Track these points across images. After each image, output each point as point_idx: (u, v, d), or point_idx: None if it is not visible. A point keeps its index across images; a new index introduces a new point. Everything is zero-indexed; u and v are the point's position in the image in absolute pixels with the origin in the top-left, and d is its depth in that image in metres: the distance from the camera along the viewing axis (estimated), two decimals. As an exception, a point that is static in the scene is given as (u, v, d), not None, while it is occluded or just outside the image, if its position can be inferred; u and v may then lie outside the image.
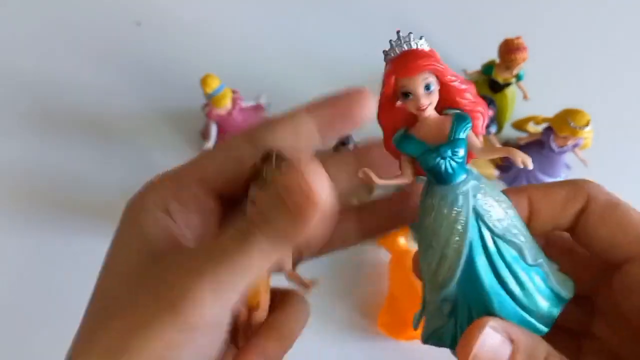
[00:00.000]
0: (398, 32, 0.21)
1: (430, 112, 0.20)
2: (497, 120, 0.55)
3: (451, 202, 0.20)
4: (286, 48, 0.65)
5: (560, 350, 0.18)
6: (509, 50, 0.51)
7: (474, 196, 0.20)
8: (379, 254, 0.52)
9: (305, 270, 0.52)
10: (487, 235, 0.20)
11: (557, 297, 0.20)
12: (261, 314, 0.21)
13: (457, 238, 0.20)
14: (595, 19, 0.67)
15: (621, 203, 0.20)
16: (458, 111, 0.20)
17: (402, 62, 0.21)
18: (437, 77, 0.20)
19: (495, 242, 0.20)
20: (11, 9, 0.68)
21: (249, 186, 0.20)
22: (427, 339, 0.24)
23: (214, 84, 0.50)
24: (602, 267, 0.20)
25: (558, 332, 0.20)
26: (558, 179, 0.55)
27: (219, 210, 0.21)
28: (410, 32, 0.20)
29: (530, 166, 0.19)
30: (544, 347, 0.18)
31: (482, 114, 0.20)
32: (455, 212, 0.20)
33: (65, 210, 0.55)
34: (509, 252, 0.20)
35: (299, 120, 0.23)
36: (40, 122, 0.60)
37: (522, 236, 0.20)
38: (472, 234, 0.20)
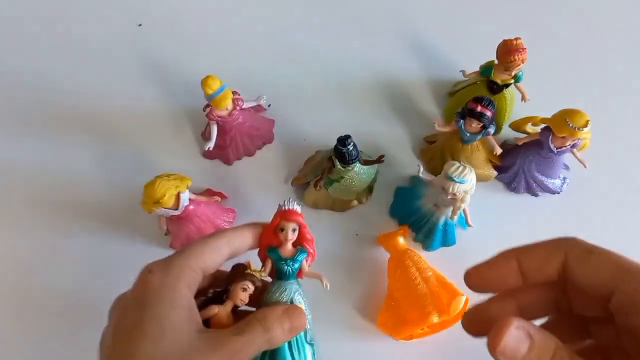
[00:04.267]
0: (289, 199, 0.37)
1: (290, 242, 0.37)
2: (495, 121, 0.56)
3: (282, 290, 0.37)
4: (286, 49, 0.65)
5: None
6: (508, 51, 0.51)
7: (295, 291, 0.38)
8: (378, 254, 0.52)
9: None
10: None
11: None
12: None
13: None
14: (594, 20, 0.68)
15: (597, 249, 0.23)
16: (302, 247, 0.38)
17: (287, 213, 0.36)
18: (299, 227, 0.37)
19: None
20: (11, 9, 0.68)
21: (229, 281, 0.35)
22: None
23: (214, 85, 0.50)
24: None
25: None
26: (557, 180, 0.55)
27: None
28: (294, 200, 0.37)
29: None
30: (554, 342, 0.22)
31: (312, 254, 0.39)
32: (283, 295, 0.36)
33: (65, 210, 0.55)
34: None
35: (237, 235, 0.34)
36: (41, 122, 0.60)
37: (308, 324, 0.38)
38: None
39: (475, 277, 0.25)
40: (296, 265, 0.38)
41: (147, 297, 0.28)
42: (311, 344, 0.39)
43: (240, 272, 0.35)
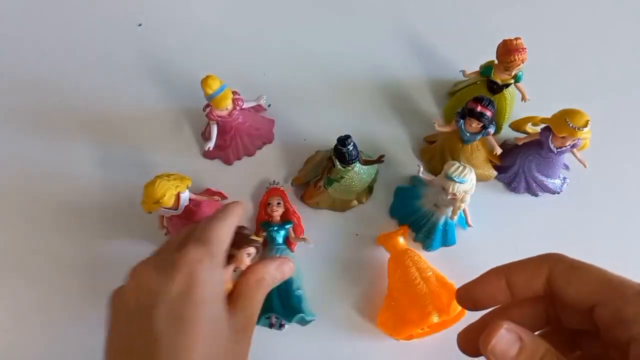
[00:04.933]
0: (274, 181, 0.52)
1: (277, 214, 0.51)
2: (495, 121, 0.56)
3: (273, 252, 0.50)
4: (286, 48, 0.65)
5: None
6: (508, 51, 0.51)
7: (283, 251, 0.50)
8: (378, 254, 0.52)
9: (307, 271, 0.52)
10: None
11: (300, 313, 0.47)
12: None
13: None
14: (593, 19, 0.68)
15: (580, 264, 0.24)
16: (288, 220, 0.51)
17: (271, 190, 0.52)
18: (285, 205, 0.51)
19: None
20: (12, 9, 0.68)
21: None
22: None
23: (214, 85, 0.50)
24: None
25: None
26: (557, 180, 0.55)
27: None
28: (278, 182, 0.51)
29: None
30: (544, 345, 0.22)
31: (298, 225, 0.52)
32: (273, 254, 0.49)
33: (65, 209, 0.55)
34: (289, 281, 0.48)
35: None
36: (40, 122, 0.60)
37: (294, 274, 0.46)
38: None
39: (465, 296, 0.26)
40: (282, 232, 0.51)
41: (200, 294, 0.28)
42: (298, 294, 0.48)
43: (244, 237, 0.37)
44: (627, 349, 0.21)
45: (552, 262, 0.24)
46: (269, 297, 0.41)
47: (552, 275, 0.24)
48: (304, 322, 0.48)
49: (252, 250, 0.37)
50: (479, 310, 0.26)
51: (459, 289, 0.26)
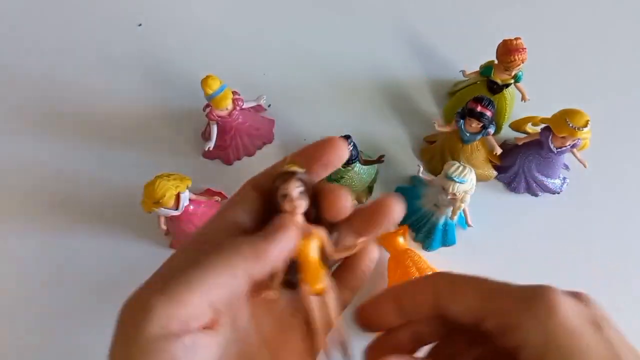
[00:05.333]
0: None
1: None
2: (495, 121, 0.56)
3: None
4: (286, 49, 0.65)
5: None
6: (508, 51, 0.51)
7: None
8: (378, 254, 0.52)
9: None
10: None
11: None
12: (330, 295, 0.24)
13: None
14: (593, 19, 0.68)
15: (460, 278, 0.23)
16: None
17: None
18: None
19: None
20: (12, 9, 0.68)
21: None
22: None
23: (214, 85, 0.50)
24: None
25: None
26: (557, 180, 0.55)
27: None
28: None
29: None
30: None
31: None
32: None
33: (65, 209, 0.55)
34: None
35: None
36: (40, 122, 0.60)
37: None
38: None
39: (361, 319, 0.25)
40: None
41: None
42: None
43: (280, 175, 0.24)
44: (517, 356, 0.21)
45: (435, 281, 0.23)
46: None
47: (437, 295, 0.23)
48: None
49: (288, 187, 0.23)
50: (377, 331, 0.25)
51: (354, 310, 0.25)
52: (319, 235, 0.24)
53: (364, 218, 0.25)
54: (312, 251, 0.23)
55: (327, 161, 0.24)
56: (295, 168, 0.23)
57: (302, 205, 0.23)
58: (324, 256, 0.24)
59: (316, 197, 0.24)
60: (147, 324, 0.20)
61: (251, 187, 0.25)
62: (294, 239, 0.23)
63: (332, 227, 0.24)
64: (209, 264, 0.21)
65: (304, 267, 0.24)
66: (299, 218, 0.23)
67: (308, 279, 0.24)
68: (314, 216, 0.24)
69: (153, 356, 0.20)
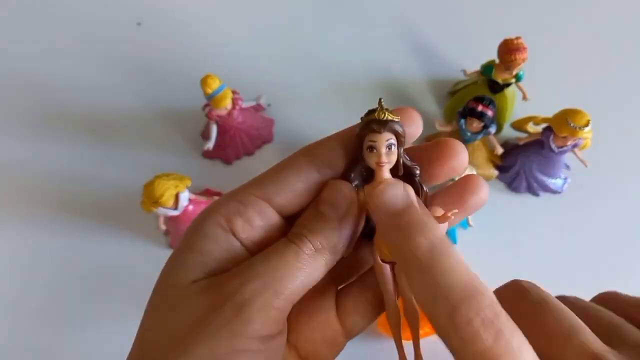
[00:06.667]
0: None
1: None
2: (496, 120, 0.56)
3: None
4: (286, 48, 0.65)
5: None
6: (509, 50, 0.51)
7: None
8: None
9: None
10: None
11: None
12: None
13: None
14: (594, 19, 0.67)
15: None
16: None
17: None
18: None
19: None
20: (11, 9, 0.68)
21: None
22: None
23: (214, 85, 0.50)
24: None
25: None
26: (558, 179, 0.55)
27: (283, 225, 0.22)
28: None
29: None
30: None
31: None
32: None
33: (65, 210, 0.55)
34: None
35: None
36: (40, 122, 0.60)
37: None
38: None
39: None
40: None
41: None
42: None
43: (368, 123, 0.21)
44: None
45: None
46: None
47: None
48: None
49: (375, 137, 0.20)
50: None
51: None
52: None
53: (454, 191, 0.22)
54: None
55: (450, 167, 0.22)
56: (390, 116, 0.20)
57: (391, 160, 0.20)
58: None
59: (426, 150, 0.22)
60: (208, 218, 0.21)
61: (337, 143, 0.23)
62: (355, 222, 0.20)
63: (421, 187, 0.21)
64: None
65: (379, 231, 0.21)
66: (386, 174, 0.20)
67: (382, 243, 0.21)
68: (409, 173, 0.21)
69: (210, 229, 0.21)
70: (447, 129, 0.52)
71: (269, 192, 0.21)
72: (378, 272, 0.21)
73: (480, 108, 0.49)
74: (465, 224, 0.52)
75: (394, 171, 0.21)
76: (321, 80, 0.63)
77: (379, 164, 0.20)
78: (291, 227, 0.21)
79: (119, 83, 0.62)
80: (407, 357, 0.23)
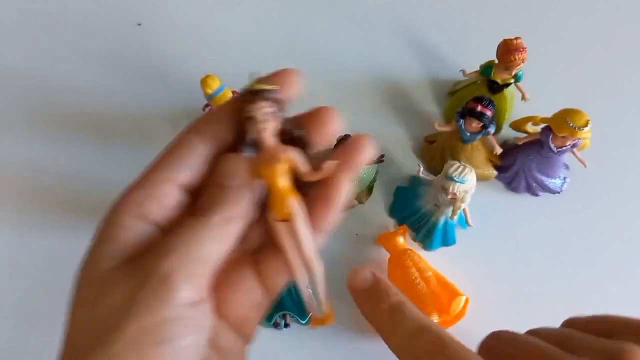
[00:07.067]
0: None
1: None
2: (496, 121, 0.56)
3: None
4: (286, 48, 0.65)
5: None
6: (508, 50, 0.51)
7: None
8: (378, 254, 0.52)
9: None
10: None
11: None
12: (299, 222, 0.23)
13: None
14: (594, 19, 0.68)
15: None
16: None
17: None
18: None
19: None
20: (12, 9, 0.68)
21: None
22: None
23: (214, 85, 0.50)
24: None
25: None
26: (557, 180, 0.55)
27: (190, 202, 0.24)
28: None
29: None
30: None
31: None
32: None
33: (65, 210, 0.55)
34: None
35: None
36: (40, 122, 0.60)
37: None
38: None
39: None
40: None
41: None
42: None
43: (245, 95, 0.23)
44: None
45: None
46: (281, 296, 0.39)
47: None
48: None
49: (252, 109, 0.22)
50: None
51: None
52: (289, 159, 0.22)
53: (345, 150, 0.25)
54: (280, 176, 0.22)
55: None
56: (263, 86, 0.22)
57: (271, 127, 0.23)
58: (296, 180, 0.23)
59: (304, 118, 0.24)
60: (120, 208, 0.23)
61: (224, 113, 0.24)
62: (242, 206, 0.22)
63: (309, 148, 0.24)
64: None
65: (271, 193, 0.22)
66: (270, 140, 0.22)
67: (274, 204, 0.22)
68: (294, 137, 0.23)
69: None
70: (447, 129, 0.53)
71: (170, 172, 0.23)
72: (274, 231, 0.23)
73: (479, 108, 0.49)
74: (465, 224, 0.52)
75: (281, 137, 0.23)
76: (321, 80, 0.63)
77: (260, 132, 0.22)
78: (197, 203, 0.23)
79: (119, 83, 0.62)
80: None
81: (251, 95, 0.22)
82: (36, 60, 0.64)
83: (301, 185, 0.23)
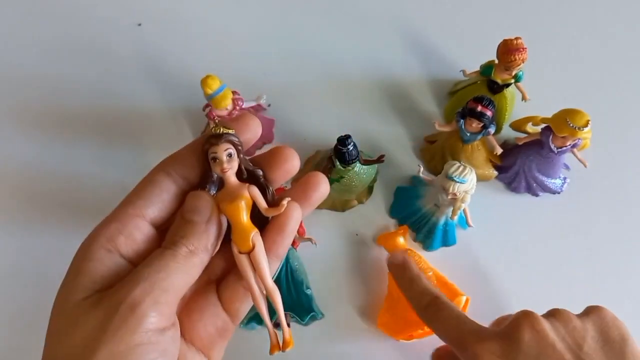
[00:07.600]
0: None
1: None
2: (496, 120, 0.56)
3: None
4: (286, 48, 0.65)
5: None
6: (508, 50, 0.51)
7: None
8: (378, 254, 0.52)
9: (308, 270, 0.52)
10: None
11: (312, 312, 0.48)
12: (259, 254, 0.25)
13: None
14: (594, 19, 0.68)
15: None
16: None
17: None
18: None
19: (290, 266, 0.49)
20: (12, 9, 0.68)
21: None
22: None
23: (214, 85, 0.50)
24: None
25: None
26: (557, 179, 0.55)
27: (158, 237, 0.26)
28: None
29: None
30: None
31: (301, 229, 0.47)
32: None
33: (65, 210, 0.55)
34: (298, 277, 0.48)
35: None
36: (40, 122, 0.60)
37: (302, 274, 0.48)
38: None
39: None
40: None
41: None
42: (308, 293, 0.47)
43: (208, 138, 0.25)
44: None
45: None
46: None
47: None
48: (312, 320, 0.48)
49: (216, 149, 0.24)
50: None
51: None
52: (248, 196, 0.25)
53: (299, 188, 0.27)
54: (241, 211, 0.24)
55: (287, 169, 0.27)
56: (223, 130, 0.25)
57: (233, 167, 0.25)
58: (255, 214, 0.25)
59: (265, 157, 0.26)
60: (92, 242, 0.24)
61: (189, 151, 0.26)
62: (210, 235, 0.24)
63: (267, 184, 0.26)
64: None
65: (233, 228, 0.25)
66: (232, 179, 0.25)
67: (237, 239, 0.25)
68: (253, 175, 0.26)
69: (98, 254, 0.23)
70: (447, 129, 0.53)
71: (141, 208, 0.25)
72: (238, 263, 0.25)
73: (479, 108, 0.49)
74: (465, 224, 0.52)
75: (239, 175, 0.25)
76: (321, 80, 0.63)
77: (223, 171, 0.25)
78: (165, 237, 0.25)
79: (119, 83, 0.62)
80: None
81: (214, 138, 0.24)
82: (36, 60, 0.64)
83: (259, 217, 0.25)
